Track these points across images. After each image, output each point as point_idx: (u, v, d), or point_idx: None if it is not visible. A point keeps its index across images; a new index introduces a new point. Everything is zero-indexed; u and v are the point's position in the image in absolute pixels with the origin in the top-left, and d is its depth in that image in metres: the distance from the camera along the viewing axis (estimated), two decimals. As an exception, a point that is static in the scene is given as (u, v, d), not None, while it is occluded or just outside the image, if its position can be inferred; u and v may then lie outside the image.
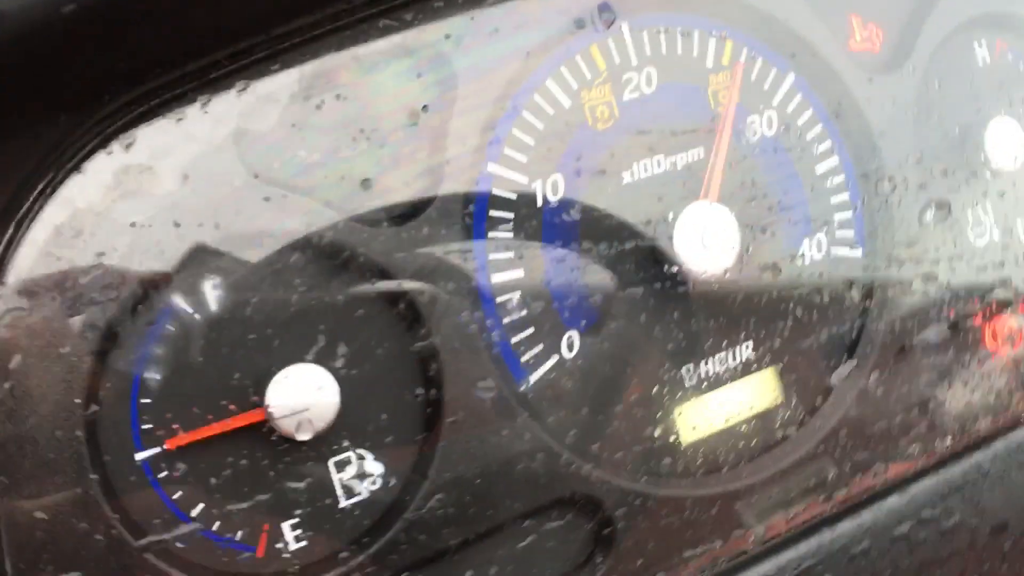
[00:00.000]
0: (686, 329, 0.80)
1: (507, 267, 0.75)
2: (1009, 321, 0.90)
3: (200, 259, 0.63)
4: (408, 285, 0.68)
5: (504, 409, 0.71)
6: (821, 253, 0.85)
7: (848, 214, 0.86)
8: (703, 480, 0.77)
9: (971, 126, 0.89)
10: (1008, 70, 0.94)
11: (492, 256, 0.74)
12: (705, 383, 0.81)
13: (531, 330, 0.76)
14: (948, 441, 0.85)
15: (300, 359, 0.67)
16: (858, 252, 0.85)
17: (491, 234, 0.74)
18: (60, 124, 0.57)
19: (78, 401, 0.59)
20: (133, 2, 0.49)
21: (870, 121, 0.86)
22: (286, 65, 0.65)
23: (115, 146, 0.60)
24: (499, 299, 0.75)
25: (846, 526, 0.80)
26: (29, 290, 0.58)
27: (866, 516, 0.81)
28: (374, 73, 0.67)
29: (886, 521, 0.80)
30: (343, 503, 0.70)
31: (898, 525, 0.80)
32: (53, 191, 0.59)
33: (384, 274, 0.68)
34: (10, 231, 0.58)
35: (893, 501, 0.81)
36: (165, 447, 0.65)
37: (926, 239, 0.84)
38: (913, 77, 0.88)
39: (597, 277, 0.78)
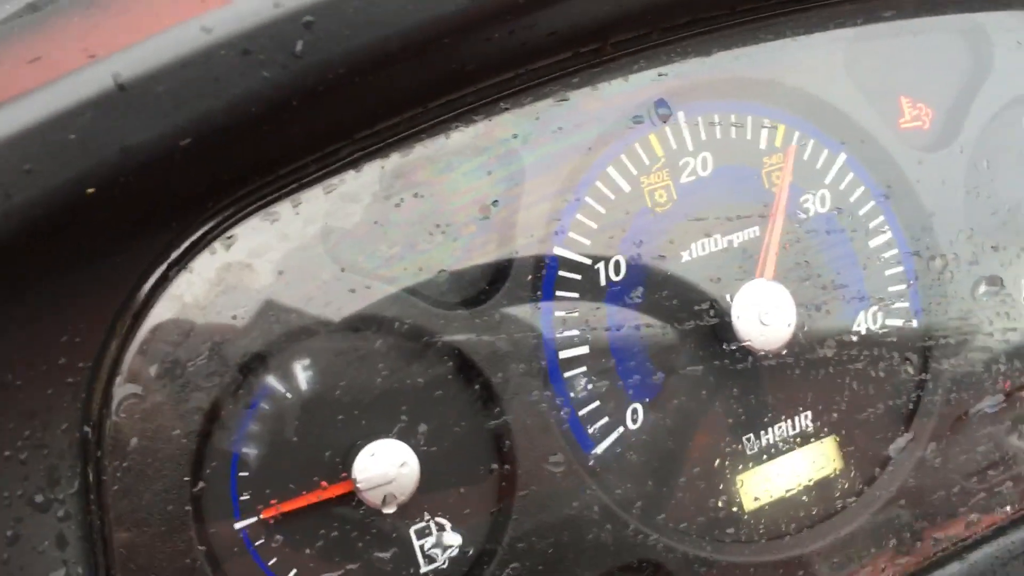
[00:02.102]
0: (746, 402, 0.84)
1: (574, 344, 0.80)
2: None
3: (293, 346, 0.69)
4: (483, 366, 0.74)
5: (574, 481, 0.76)
6: (876, 326, 0.88)
7: (902, 287, 0.89)
8: (766, 547, 0.80)
9: (1021, 201, 0.92)
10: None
11: (560, 334, 0.79)
12: (765, 453, 0.84)
13: (597, 403, 0.80)
14: (1008, 509, 0.87)
15: (384, 435, 0.72)
16: (913, 325, 0.88)
17: (558, 314, 0.79)
18: (171, 229, 0.64)
19: (187, 479, 0.65)
20: (238, 130, 0.55)
21: (921, 198, 0.89)
22: (368, 167, 0.71)
23: (217, 246, 0.67)
24: (567, 375, 0.79)
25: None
26: (144, 379, 0.65)
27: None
28: (448, 172, 0.74)
29: (947, 588, 0.82)
30: (423, 570, 0.75)
31: (959, 592, 0.82)
32: (164, 288, 0.65)
33: (460, 356, 0.73)
34: (127, 325, 0.64)
35: (953, 569, 0.83)
36: (261, 517, 0.71)
37: (979, 312, 0.87)
38: (962, 155, 0.91)
39: (659, 352, 0.82)
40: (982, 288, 0.87)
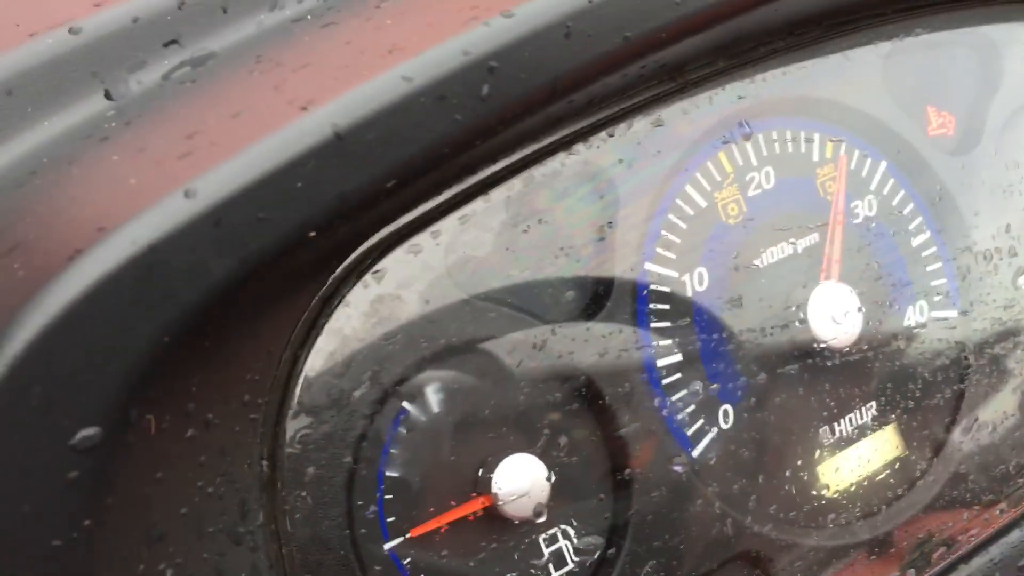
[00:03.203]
0: (824, 395, 0.90)
1: (669, 353, 0.85)
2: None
3: (439, 370, 0.73)
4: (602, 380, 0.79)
5: (691, 482, 0.81)
6: (924, 318, 0.96)
7: (945, 282, 0.97)
8: (862, 526, 0.87)
9: (1047, 194, 1.01)
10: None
11: (657, 344, 0.84)
12: (843, 442, 0.91)
13: (692, 408, 0.86)
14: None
15: (518, 450, 0.76)
16: (959, 316, 0.96)
17: (654, 325, 0.84)
18: (331, 267, 0.67)
19: (360, 503, 0.69)
20: (428, 170, 0.59)
21: (956, 197, 0.98)
22: (496, 197, 0.75)
23: (369, 279, 0.70)
24: (665, 382, 0.85)
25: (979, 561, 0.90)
26: (314, 411, 0.68)
27: (994, 551, 0.91)
28: (565, 198, 0.78)
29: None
30: (554, 574, 0.79)
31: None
32: (325, 323, 0.68)
33: (587, 372, 0.78)
34: (295, 362, 0.67)
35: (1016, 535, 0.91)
36: (408, 536, 0.74)
37: (1022, 299, 0.95)
38: (987, 156, 1.00)
39: (743, 355, 0.88)
40: (1022, 278, 0.96)
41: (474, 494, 0.75)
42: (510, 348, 0.76)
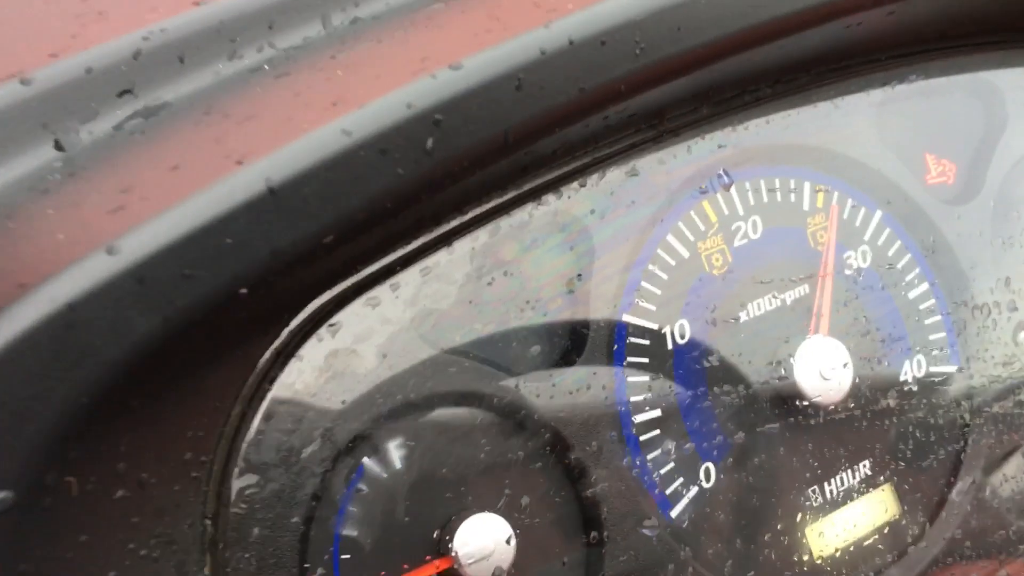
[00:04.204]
0: (811, 455, 0.87)
1: (647, 408, 0.82)
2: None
3: (397, 426, 0.71)
4: (572, 437, 0.76)
5: (665, 544, 0.78)
6: (921, 374, 0.92)
7: (943, 335, 0.93)
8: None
9: (1048, 247, 0.97)
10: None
11: (634, 399, 0.81)
12: (832, 504, 0.87)
13: (672, 465, 0.83)
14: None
15: (481, 509, 0.73)
16: (957, 372, 0.92)
17: (631, 379, 0.82)
18: (283, 320, 0.65)
19: (307, 565, 0.66)
20: (371, 224, 0.57)
21: (955, 249, 0.94)
22: (460, 249, 0.73)
23: (324, 333, 0.68)
24: (643, 438, 0.82)
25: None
26: (261, 469, 0.66)
27: (993, 619, 0.86)
28: (533, 249, 0.76)
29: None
30: (522, 641, 0.76)
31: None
32: (276, 377, 0.66)
33: (552, 428, 0.75)
34: (242, 416, 0.65)
35: (1017, 605, 0.87)
36: (365, 598, 0.72)
37: (1022, 356, 0.91)
38: (988, 206, 0.96)
39: (726, 411, 0.85)
40: (1023, 333, 0.92)
41: (428, 557, 0.72)
42: (474, 403, 0.73)
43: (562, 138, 0.72)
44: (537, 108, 0.60)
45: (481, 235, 0.74)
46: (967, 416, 0.91)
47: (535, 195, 0.76)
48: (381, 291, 0.71)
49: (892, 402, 0.89)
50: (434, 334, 0.72)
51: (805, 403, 0.86)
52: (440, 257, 0.73)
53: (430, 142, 0.57)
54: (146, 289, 0.51)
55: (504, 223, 0.75)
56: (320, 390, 0.68)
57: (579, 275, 0.78)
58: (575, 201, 0.78)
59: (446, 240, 0.73)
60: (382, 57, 0.63)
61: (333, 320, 0.69)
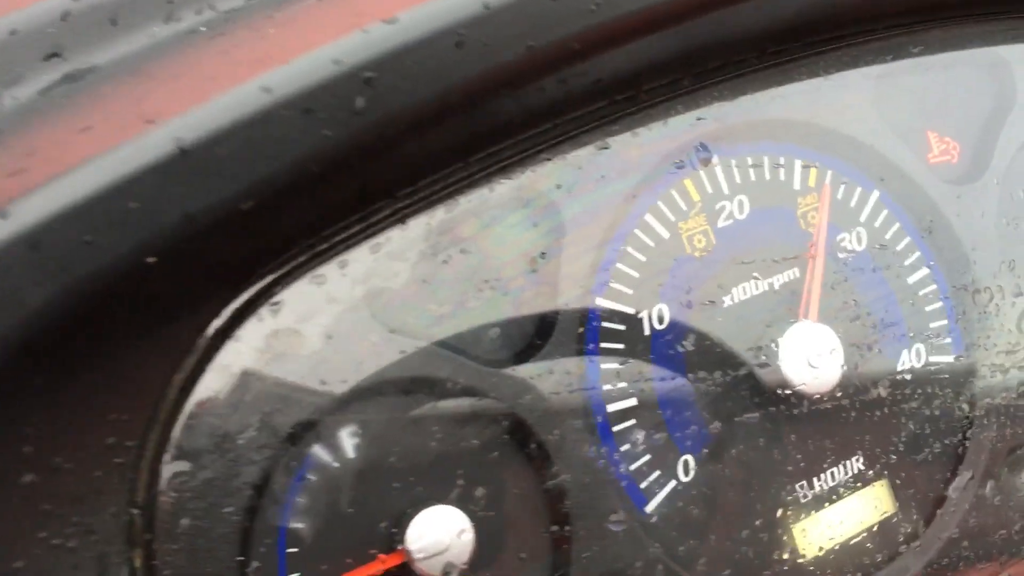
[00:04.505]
0: (799, 448, 0.82)
1: (622, 397, 0.77)
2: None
3: (343, 412, 0.67)
4: (536, 425, 0.71)
5: (633, 540, 0.73)
6: (920, 364, 0.87)
7: (944, 323, 0.88)
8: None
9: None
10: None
11: (607, 387, 0.77)
12: (821, 500, 0.82)
13: (648, 457, 0.78)
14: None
15: (436, 502, 0.69)
16: (958, 361, 0.86)
17: (604, 366, 0.77)
18: (218, 297, 0.61)
19: (240, 558, 0.62)
20: (296, 191, 0.53)
21: (957, 232, 0.88)
22: (414, 224, 0.69)
23: (264, 312, 0.64)
24: (616, 429, 0.77)
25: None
26: (192, 455, 0.62)
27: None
28: (493, 226, 0.72)
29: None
30: (482, 641, 0.71)
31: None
32: (211, 359, 0.62)
33: (514, 416, 0.71)
34: (174, 399, 0.61)
35: (1020, 610, 0.81)
36: (314, 594, 0.67)
37: (1026, 344, 0.86)
38: (996, 186, 0.91)
39: (707, 401, 0.80)
40: (1027, 320, 0.86)
41: (377, 552, 0.67)
42: (428, 389, 0.69)
43: (524, 106, 0.68)
44: (481, 67, 0.56)
45: (437, 210, 0.70)
46: (967, 408, 0.85)
47: (496, 168, 0.71)
48: (328, 268, 0.67)
49: (886, 393, 0.84)
50: (385, 314, 0.68)
51: (791, 392, 0.81)
52: (392, 233, 0.68)
53: (360, 101, 0.53)
54: (41, 256, 0.47)
55: (462, 198, 0.70)
56: (259, 373, 0.64)
57: (543, 254, 0.73)
58: (540, 175, 0.73)
59: (398, 215, 0.68)
60: (319, 14, 0.59)
61: (275, 298, 0.65)
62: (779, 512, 0.78)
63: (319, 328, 0.66)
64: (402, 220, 0.69)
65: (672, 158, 0.78)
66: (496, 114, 0.64)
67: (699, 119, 0.79)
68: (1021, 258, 0.87)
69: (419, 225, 0.69)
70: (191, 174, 0.49)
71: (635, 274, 0.79)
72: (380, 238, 0.68)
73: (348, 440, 0.68)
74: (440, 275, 0.70)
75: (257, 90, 0.51)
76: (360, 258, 0.67)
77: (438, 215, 0.70)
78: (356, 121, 0.53)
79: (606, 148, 0.75)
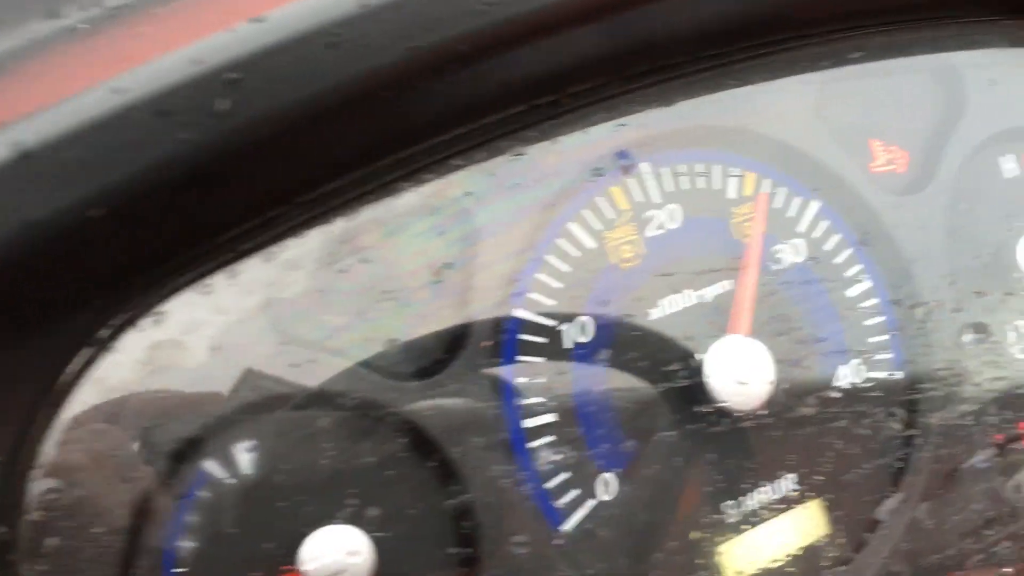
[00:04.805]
0: (726, 467, 0.78)
1: (539, 413, 0.74)
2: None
3: (230, 429, 0.64)
4: (439, 441, 0.68)
5: (542, 563, 0.70)
6: (859, 380, 0.83)
7: (884, 338, 0.84)
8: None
9: (1004, 243, 0.88)
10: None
11: (523, 402, 0.74)
12: (748, 521, 0.79)
13: (566, 475, 0.75)
14: (1008, 570, 0.82)
15: (332, 521, 0.66)
16: (897, 377, 0.83)
17: (520, 380, 0.74)
18: (93, 307, 0.59)
19: (113, 581, 0.59)
20: (159, 198, 0.50)
21: (899, 244, 0.85)
22: (311, 232, 0.66)
23: (145, 323, 0.62)
24: (531, 445, 0.74)
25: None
26: (64, 471, 0.59)
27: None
28: (397, 234, 0.69)
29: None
30: (382, 666, 0.68)
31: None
32: (86, 371, 0.60)
33: (415, 431, 0.68)
34: (46, 414, 0.59)
35: (954, 638, 0.78)
36: (203, 619, 0.64)
37: (966, 361, 0.82)
38: (940, 197, 0.87)
39: (631, 418, 0.77)
40: (968, 336, 0.83)
41: (265, 572, 0.65)
42: (323, 403, 0.66)
43: (433, 109, 0.65)
44: (357, 69, 0.53)
45: (338, 217, 0.67)
46: (904, 427, 0.82)
47: (403, 174, 0.68)
48: (217, 278, 0.64)
49: (820, 411, 0.81)
50: (277, 326, 0.65)
51: (719, 409, 0.78)
52: (288, 241, 0.66)
53: (223, 104, 0.50)
54: None
55: (365, 204, 0.67)
56: (138, 386, 0.61)
57: (448, 264, 0.70)
58: (450, 182, 0.70)
59: (296, 222, 0.66)
60: (200, 11, 0.56)
61: (158, 308, 0.62)
62: (698, 533, 0.75)
63: (205, 340, 0.63)
64: (299, 227, 0.66)
65: (590, 165, 0.75)
66: (393, 118, 0.61)
67: (621, 125, 0.76)
68: (963, 272, 0.84)
69: (318, 233, 0.66)
70: (32, 179, 0.47)
71: (557, 285, 0.76)
72: (275, 246, 0.65)
73: (239, 457, 0.65)
74: (338, 285, 0.67)
75: (108, 91, 0.48)
76: (252, 267, 0.65)
77: (339, 222, 0.67)
78: (219, 125, 0.50)
79: (521, 155, 0.72)
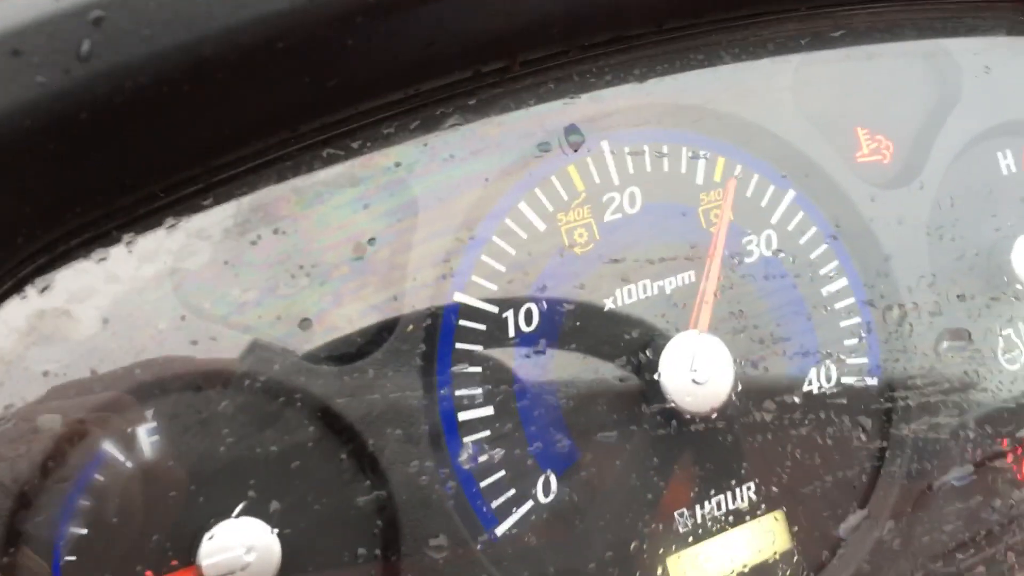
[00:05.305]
0: (678, 472, 0.73)
1: (475, 405, 0.69)
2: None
3: (121, 408, 0.59)
4: (354, 431, 0.63)
5: (465, 569, 0.64)
6: (830, 384, 0.77)
7: (858, 340, 0.78)
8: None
9: (997, 243, 0.81)
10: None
11: (459, 392, 0.68)
12: (700, 531, 0.73)
13: (502, 473, 0.69)
14: (981, 598, 0.75)
15: (234, 515, 0.61)
16: (869, 384, 0.77)
17: (457, 369, 0.68)
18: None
19: (5, 560, 0.54)
20: (23, 151, 0.45)
21: (879, 240, 0.79)
22: (221, 199, 0.61)
23: (30, 290, 0.57)
24: (466, 439, 0.68)
25: None
26: (-73, 447, 0.54)
27: None
28: (316, 205, 0.63)
29: None
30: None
31: None
32: (-41, 340, 0.55)
33: (327, 420, 0.63)
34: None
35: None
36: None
37: (944, 370, 0.76)
38: (925, 192, 0.81)
39: (576, 415, 0.71)
40: (946, 343, 0.76)
41: (156, 568, 0.59)
42: (224, 384, 0.61)
43: (356, 70, 0.59)
44: (248, 14, 0.47)
45: (251, 183, 0.61)
46: (874, 439, 0.75)
47: (325, 140, 0.63)
48: (113, 245, 0.59)
49: (783, 416, 0.75)
50: (178, 298, 0.60)
51: (672, 409, 0.72)
52: (194, 207, 0.60)
53: (86, 45, 0.45)
54: None
55: (282, 171, 0.62)
56: (19, 358, 0.56)
57: (371, 239, 0.64)
58: (378, 151, 0.65)
59: (205, 187, 0.60)
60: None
61: (45, 276, 0.57)
62: (658, 542, 0.69)
63: (95, 311, 0.58)
64: (207, 193, 0.60)
65: (536, 140, 0.69)
66: (302, 76, 0.55)
67: (573, 98, 0.70)
68: (944, 273, 0.77)
69: (228, 199, 0.61)
70: None
71: (502, 268, 0.71)
72: (180, 213, 0.60)
73: (129, 441, 0.60)
74: (247, 257, 0.61)
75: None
76: (153, 234, 0.60)
77: (248, 189, 0.62)
78: (82, 69, 0.44)
79: (458, 125, 0.67)
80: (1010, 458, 0.77)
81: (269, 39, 0.49)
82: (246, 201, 0.61)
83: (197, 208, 0.60)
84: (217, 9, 0.47)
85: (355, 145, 0.64)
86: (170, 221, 0.60)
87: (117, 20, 0.45)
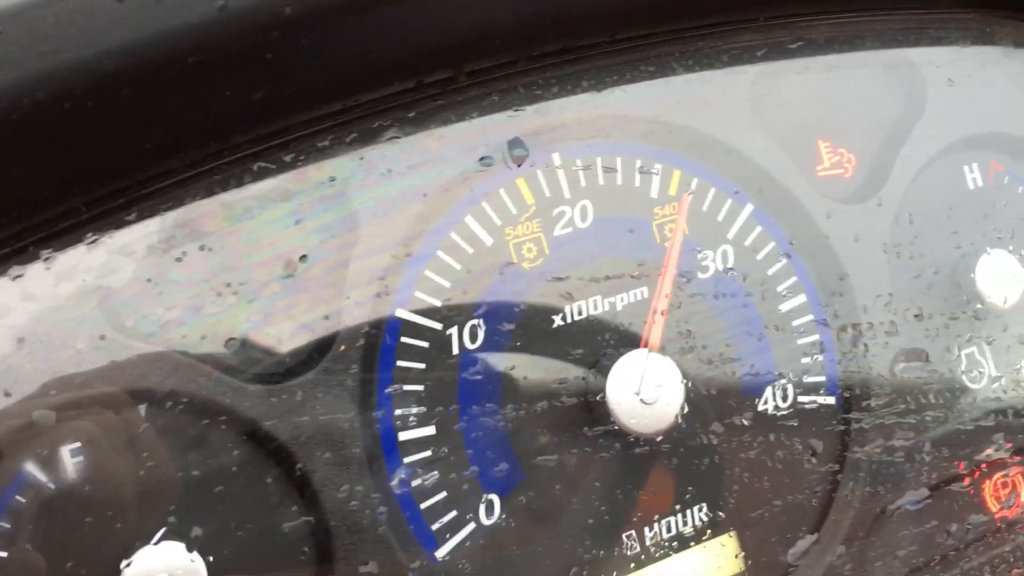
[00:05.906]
0: (624, 494, 0.71)
1: (416, 425, 0.67)
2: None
3: (34, 430, 0.57)
4: (287, 453, 0.61)
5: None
6: (786, 404, 0.75)
7: (817, 359, 0.76)
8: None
9: (958, 261, 0.79)
10: (1005, 194, 0.85)
11: (398, 412, 0.66)
12: (643, 556, 0.71)
13: (443, 494, 0.68)
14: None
15: (154, 541, 0.59)
16: (825, 404, 0.75)
17: (397, 387, 0.67)
18: None
19: None
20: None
21: (838, 257, 0.77)
22: (145, 214, 0.59)
23: (-60, 308, 0.55)
24: (407, 460, 0.67)
25: None
26: None
27: None
28: (246, 220, 0.61)
29: None
30: None
31: None
32: None
33: (252, 442, 0.61)
34: None
35: None
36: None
37: (900, 391, 0.74)
38: (885, 208, 0.79)
39: (521, 435, 0.69)
40: (902, 364, 0.74)
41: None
42: (147, 403, 0.59)
43: (280, 83, 0.58)
44: (148, 29, 0.45)
45: (176, 198, 0.59)
46: (828, 461, 0.74)
47: (255, 153, 0.61)
48: (30, 262, 0.57)
49: (734, 438, 0.73)
50: (98, 317, 0.58)
51: (618, 430, 0.70)
52: (117, 223, 0.58)
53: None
54: None
55: (209, 185, 0.60)
56: (-74, 378, 0.55)
57: (303, 256, 0.63)
58: (312, 165, 0.63)
59: (127, 201, 0.58)
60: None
61: (-42, 293, 0.55)
62: (603, 565, 0.68)
63: (10, 330, 0.56)
64: (131, 208, 0.59)
65: (477, 153, 0.67)
66: (240, 91, 0.53)
67: (518, 110, 0.68)
68: (901, 292, 0.75)
69: (152, 215, 0.59)
70: None
71: (446, 283, 0.69)
72: (101, 229, 0.58)
73: (45, 465, 0.58)
74: (172, 275, 0.60)
75: None
76: (72, 251, 0.58)
77: (178, 204, 0.60)
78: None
79: (396, 138, 0.65)
80: (967, 481, 0.76)
81: (177, 54, 0.47)
82: (171, 216, 0.59)
83: (120, 223, 0.58)
84: (118, 24, 0.45)
85: (288, 158, 0.62)
86: (91, 237, 0.58)
87: (13, 36, 0.43)
